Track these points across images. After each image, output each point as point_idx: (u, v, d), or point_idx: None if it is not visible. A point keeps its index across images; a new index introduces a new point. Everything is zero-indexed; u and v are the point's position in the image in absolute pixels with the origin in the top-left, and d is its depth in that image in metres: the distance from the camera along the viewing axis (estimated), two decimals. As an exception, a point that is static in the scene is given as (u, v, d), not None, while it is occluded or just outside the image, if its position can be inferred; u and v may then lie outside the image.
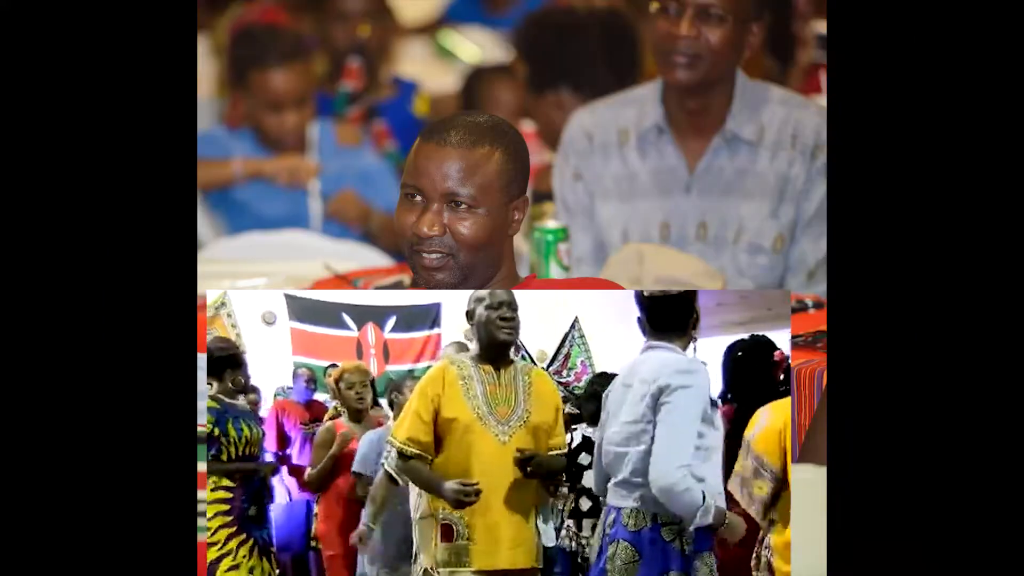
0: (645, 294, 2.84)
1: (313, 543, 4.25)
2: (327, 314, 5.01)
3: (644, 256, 3.54)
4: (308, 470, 4.15)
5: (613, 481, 2.78)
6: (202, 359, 3.24)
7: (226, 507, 3.66)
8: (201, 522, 3.42)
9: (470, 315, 2.95)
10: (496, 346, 2.94)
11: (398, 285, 3.87)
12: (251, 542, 3.69)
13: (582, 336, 5.32)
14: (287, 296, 4.82)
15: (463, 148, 2.75)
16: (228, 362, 3.79)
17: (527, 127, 4.61)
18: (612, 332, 5.21)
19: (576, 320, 5.27)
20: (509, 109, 5.07)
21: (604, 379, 3.74)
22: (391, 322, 5.10)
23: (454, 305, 4.35)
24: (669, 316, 2.81)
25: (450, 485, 2.85)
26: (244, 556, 3.68)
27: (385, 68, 5.93)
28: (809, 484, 2.68)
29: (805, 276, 3.69)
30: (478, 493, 2.84)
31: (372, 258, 4.33)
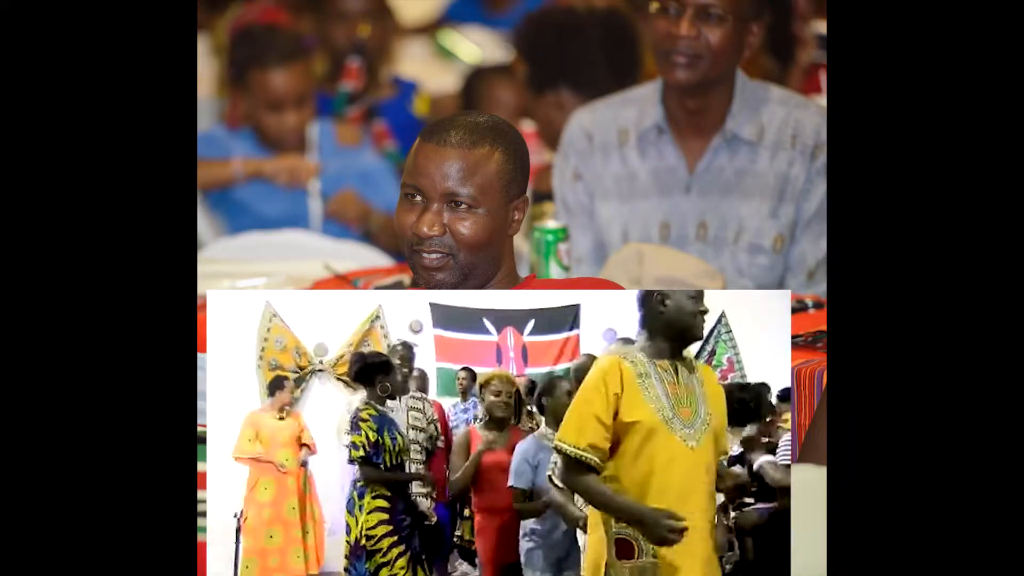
0: None
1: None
2: (469, 320, 4.98)
3: (644, 256, 3.54)
4: (450, 476, 4.12)
5: None
6: (202, 359, 3.23)
7: (386, 516, 3.66)
8: (201, 522, 3.42)
9: (663, 300, 2.62)
10: (686, 341, 2.64)
11: (398, 285, 3.86)
12: (409, 553, 3.68)
13: (729, 332, 5.24)
14: (431, 304, 4.83)
15: (463, 148, 2.75)
16: (379, 368, 3.78)
17: (527, 127, 4.61)
18: (756, 332, 5.18)
19: (723, 315, 5.20)
20: (509, 109, 5.07)
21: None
22: (530, 325, 5.08)
23: (593, 306, 4.23)
24: None
25: (655, 517, 2.52)
26: (401, 568, 3.67)
27: (385, 68, 5.93)
28: (809, 484, 2.68)
29: (805, 276, 3.69)
30: (683, 532, 2.51)
31: (372, 258, 4.33)
